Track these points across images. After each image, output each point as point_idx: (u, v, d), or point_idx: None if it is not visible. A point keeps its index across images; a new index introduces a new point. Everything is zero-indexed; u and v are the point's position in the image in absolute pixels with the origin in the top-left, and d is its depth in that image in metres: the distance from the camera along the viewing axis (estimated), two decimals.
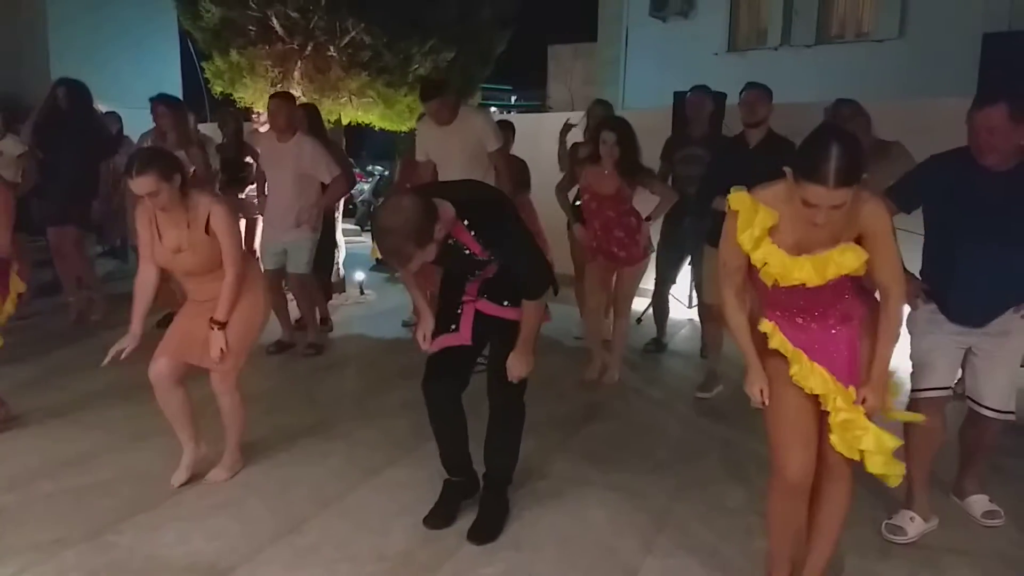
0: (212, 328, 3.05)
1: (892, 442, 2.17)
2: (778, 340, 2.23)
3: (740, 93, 4.23)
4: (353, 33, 6.15)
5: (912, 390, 2.93)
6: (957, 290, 2.80)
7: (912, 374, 2.95)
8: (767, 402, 2.26)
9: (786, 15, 10.07)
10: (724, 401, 4.31)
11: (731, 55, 10.25)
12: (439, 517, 2.93)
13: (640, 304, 6.29)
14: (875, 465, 2.17)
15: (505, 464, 2.98)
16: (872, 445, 2.15)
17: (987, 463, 3.17)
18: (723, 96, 5.22)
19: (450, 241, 2.62)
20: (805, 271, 2.09)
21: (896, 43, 8.67)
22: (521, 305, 2.79)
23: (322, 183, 5.06)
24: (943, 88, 6.15)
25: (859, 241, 2.10)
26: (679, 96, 5.65)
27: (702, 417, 4.13)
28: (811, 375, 2.18)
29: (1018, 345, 2.87)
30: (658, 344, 5.50)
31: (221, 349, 3.06)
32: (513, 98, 20.95)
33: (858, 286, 2.23)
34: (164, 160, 2.95)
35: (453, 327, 2.87)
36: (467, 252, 2.66)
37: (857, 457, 2.18)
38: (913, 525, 2.90)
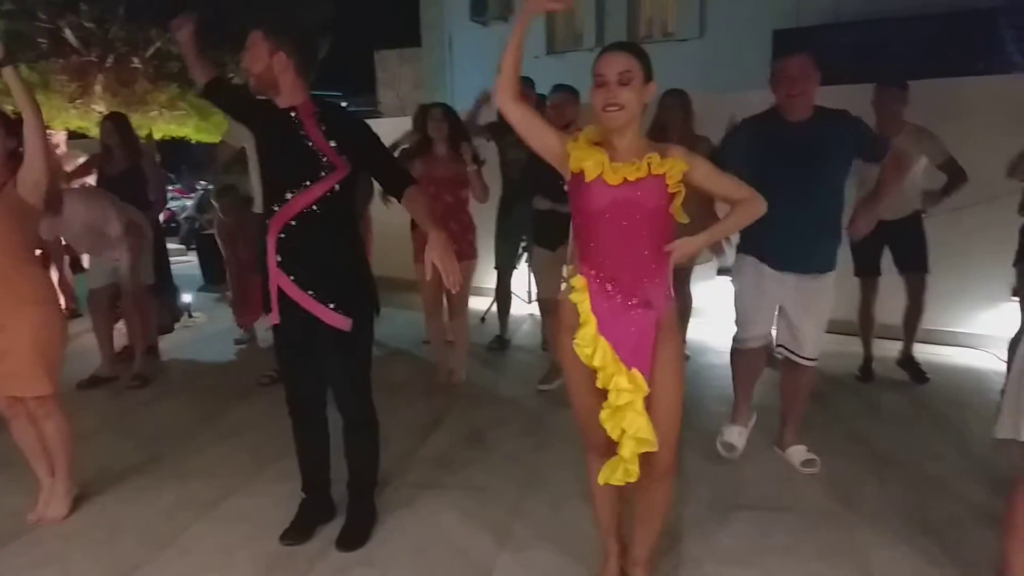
0: None
1: (651, 437, 2.08)
2: (583, 298, 2.15)
3: (547, 96, 4.42)
4: (159, 43, 5.81)
5: (736, 339, 3.44)
6: (777, 238, 3.09)
7: (737, 325, 3.42)
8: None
9: (599, 18, 10.56)
10: (566, 392, 4.42)
11: (550, 57, 10.60)
12: (297, 532, 2.84)
13: (482, 303, 6.40)
14: (625, 448, 2.09)
15: (367, 467, 2.92)
16: (633, 429, 2.07)
17: (803, 416, 3.51)
18: (542, 95, 5.38)
19: (292, 115, 2.45)
20: (605, 167, 2.07)
21: (697, 42, 9.32)
22: (323, 302, 2.55)
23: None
24: (741, 83, 6.68)
25: (688, 190, 2.14)
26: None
27: (546, 409, 4.23)
28: (593, 344, 2.12)
29: (826, 300, 3.24)
30: (501, 341, 5.59)
31: None
32: (343, 105, 20.57)
33: (661, 270, 2.17)
34: None
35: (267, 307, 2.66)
36: (309, 144, 2.46)
37: (617, 436, 2.12)
38: (740, 439, 3.51)
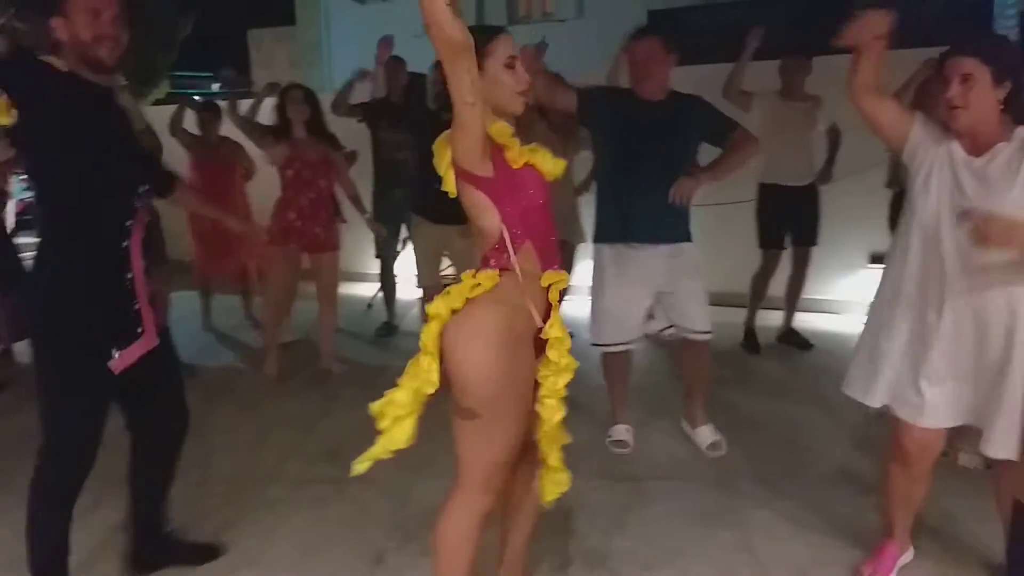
0: None
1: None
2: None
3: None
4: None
5: (603, 344, 3.40)
6: (635, 212, 3.17)
7: (598, 331, 3.37)
8: None
9: None
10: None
11: None
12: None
13: (368, 290, 6.27)
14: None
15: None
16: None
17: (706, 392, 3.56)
18: (421, 75, 5.27)
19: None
20: (551, 163, 1.95)
21: (576, 22, 9.41)
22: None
23: None
24: None
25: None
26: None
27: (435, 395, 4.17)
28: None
29: (698, 272, 3.31)
30: (389, 327, 5.49)
31: None
32: (215, 85, 19.65)
33: None
34: None
35: (139, 329, 2.19)
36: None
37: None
38: (629, 434, 3.48)
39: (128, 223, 2.16)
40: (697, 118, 3.21)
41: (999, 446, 2.09)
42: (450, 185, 1.92)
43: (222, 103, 5.21)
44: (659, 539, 2.69)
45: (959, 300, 2.09)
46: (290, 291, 4.49)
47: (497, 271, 1.88)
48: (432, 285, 4.47)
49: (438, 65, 1.72)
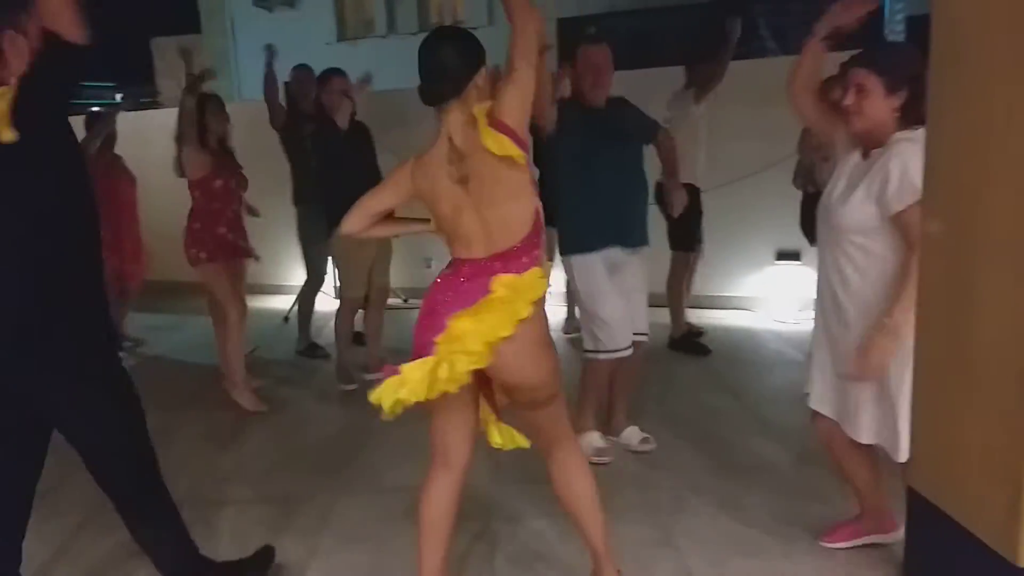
0: None
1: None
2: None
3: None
4: None
5: (605, 349, 3.24)
6: (614, 215, 3.22)
7: (608, 336, 3.21)
8: None
9: (388, 5, 10.41)
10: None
11: (342, 44, 10.30)
12: None
13: (284, 303, 6.13)
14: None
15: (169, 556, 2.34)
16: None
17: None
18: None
19: None
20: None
21: (487, 29, 9.44)
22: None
23: None
24: None
25: None
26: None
27: (352, 408, 4.10)
28: None
29: (641, 277, 3.35)
30: (315, 348, 5.16)
31: None
32: (118, 96, 18.92)
33: None
34: None
35: None
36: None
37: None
38: (605, 440, 3.39)
39: None
40: (630, 119, 3.31)
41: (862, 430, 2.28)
42: (511, 150, 1.84)
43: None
44: (579, 540, 2.71)
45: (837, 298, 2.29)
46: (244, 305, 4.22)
47: (539, 271, 1.90)
48: (357, 297, 4.40)
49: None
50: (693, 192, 4.71)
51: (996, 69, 1.48)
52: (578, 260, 3.24)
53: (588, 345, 3.30)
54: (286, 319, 5.96)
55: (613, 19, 8.29)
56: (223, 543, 2.78)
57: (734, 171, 5.35)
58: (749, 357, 4.77)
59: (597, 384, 3.38)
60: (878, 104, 2.14)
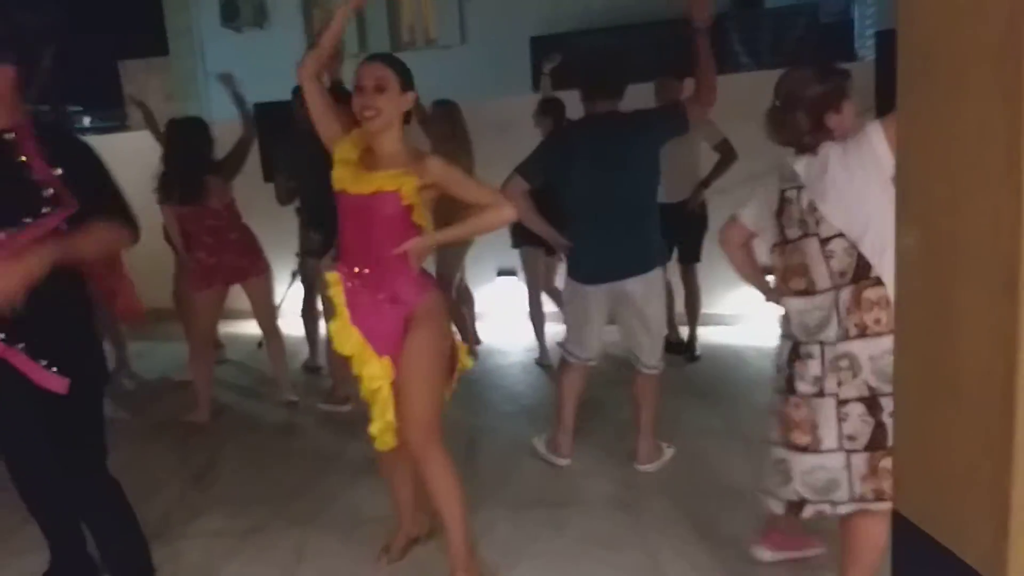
0: None
1: (390, 416, 2.31)
2: (336, 292, 2.34)
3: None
4: None
5: (564, 352, 3.40)
6: (584, 251, 3.22)
7: (566, 339, 3.39)
8: None
9: (360, 25, 10.38)
10: (345, 415, 4.18)
11: None
12: None
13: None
14: (374, 428, 2.33)
15: (126, 556, 2.43)
16: (376, 413, 2.32)
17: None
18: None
19: (5, 137, 2.00)
20: (349, 177, 2.28)
21: (459, 49, 9.46)
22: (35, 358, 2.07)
23: None
24: (503, 88, 6.84)
25: (438, 195, 2.35)
26: (262, 108, 5.47)
27: (330, 432, 4.01)
28: (346, 333, 2.31)
29: (652, 312, 3.25)
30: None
31: None
32: (86, 119, 18.72)
33: (415, 275, 2.36)
34: None
35: None
36: (28, 173, 2.01)
37: (377, 427, 2.32)
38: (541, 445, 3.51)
39: None
40: (654, 126, 3.25)
41: None
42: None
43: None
44: (567, 567, 2.66)
45: None
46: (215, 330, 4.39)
47: None
48: None
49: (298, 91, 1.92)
50: (681, 208, 4.74)
51: (966, 84, 1.47)
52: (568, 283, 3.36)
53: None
54: (260, 344, 5.85)
55: (585, 36, 8.32)
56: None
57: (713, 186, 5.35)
58: (730, 373, 4.75)
59: (562, 390, 3.49)
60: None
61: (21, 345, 2.05)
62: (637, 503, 3.09)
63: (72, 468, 2.22)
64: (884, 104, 4.63)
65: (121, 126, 15.07)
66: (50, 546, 2.51)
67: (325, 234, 4.23)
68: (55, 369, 2.06)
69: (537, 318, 5.03)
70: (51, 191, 2.03)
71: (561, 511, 3.05)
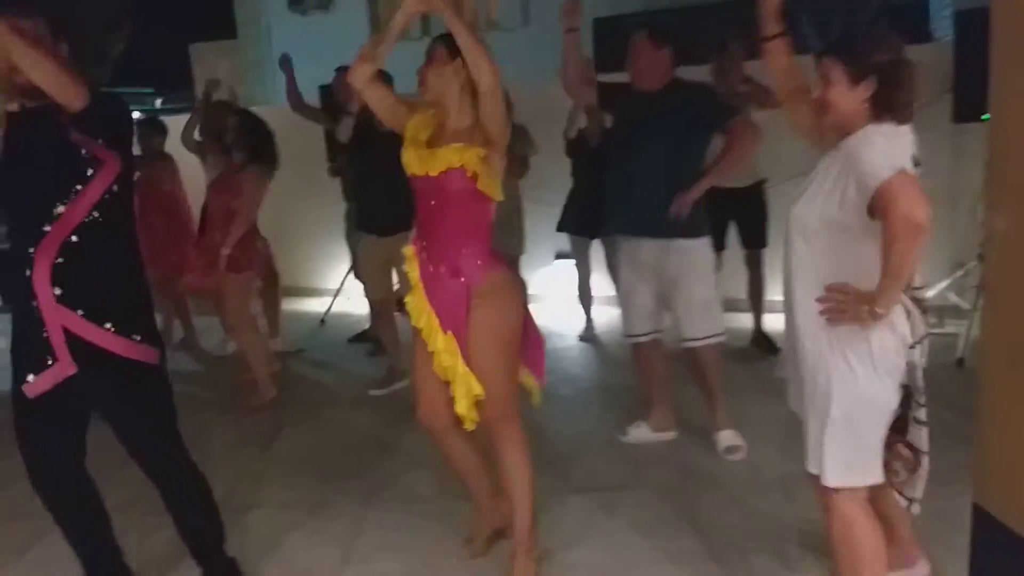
0: None
1: (477, 389, 2.27)
2: (411, 267, 2.37)
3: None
4: None
5: (625, 336, 3.47)
6: (626, 200, 3.24)
7: (621, 321, 3.48)
8: None
9: None
10: (406, 394, 4.24)
11: None
12: None
13: (321, 304, 6.14)
14: (459, 407, 2.29)
15: (204, 527, 2.44)
16: (460, 391, 2.27)
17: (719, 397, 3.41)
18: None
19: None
20: (415, 160, 2.30)
21: (522, 31, 9.39)
22: (127, 334, 2.12)
23: None
24: None
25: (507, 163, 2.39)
26: (325, 89, 5.52)
27: (384, 414, 4.04)
28: (418, 307, 2.33)
29: (700, 271, 3.24)
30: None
31: None
32: (157, 101, 19.29)
33: (480, 247, 2.32)
34: None
35: (49, 361, 2.05)
36: (68, 140, 2.00)
37: (464, 406, 2.28)
38: (638, 432, 3.49)
39: (30, 250, 2.03)
40: (692, 105, 3.21)
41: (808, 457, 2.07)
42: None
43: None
44: (619, 551, 2.64)
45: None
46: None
47: None
48: (376, 300, 4.38)
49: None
50: (745, 193, 4.60)
51: None
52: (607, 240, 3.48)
53: None
54: (322, 321, 5.98)
55: (647, 17, 8.18)
56: (256, 546, 2.76)
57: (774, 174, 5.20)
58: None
59: (636, 369, 3.58)
60: (844, 94, 1.93)
61: (108, 325, 2.09)
62: (693, 490, 3.05)
63: (156, 437, 2.28)
64: (963, 87, 4.46)
65: (191, 107, 15.49)
66: (82, 562, 2.36)
67: (361, 207, 4.31)
68: (114, 328, 2.10)
69: (585, 298, 5.22)
70: (88, 153, 2.04)
71: (615, 495, 3.02)
